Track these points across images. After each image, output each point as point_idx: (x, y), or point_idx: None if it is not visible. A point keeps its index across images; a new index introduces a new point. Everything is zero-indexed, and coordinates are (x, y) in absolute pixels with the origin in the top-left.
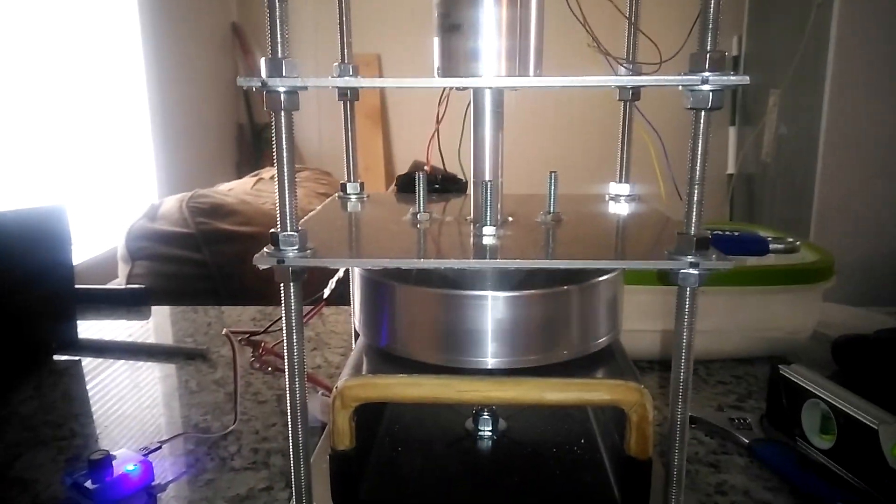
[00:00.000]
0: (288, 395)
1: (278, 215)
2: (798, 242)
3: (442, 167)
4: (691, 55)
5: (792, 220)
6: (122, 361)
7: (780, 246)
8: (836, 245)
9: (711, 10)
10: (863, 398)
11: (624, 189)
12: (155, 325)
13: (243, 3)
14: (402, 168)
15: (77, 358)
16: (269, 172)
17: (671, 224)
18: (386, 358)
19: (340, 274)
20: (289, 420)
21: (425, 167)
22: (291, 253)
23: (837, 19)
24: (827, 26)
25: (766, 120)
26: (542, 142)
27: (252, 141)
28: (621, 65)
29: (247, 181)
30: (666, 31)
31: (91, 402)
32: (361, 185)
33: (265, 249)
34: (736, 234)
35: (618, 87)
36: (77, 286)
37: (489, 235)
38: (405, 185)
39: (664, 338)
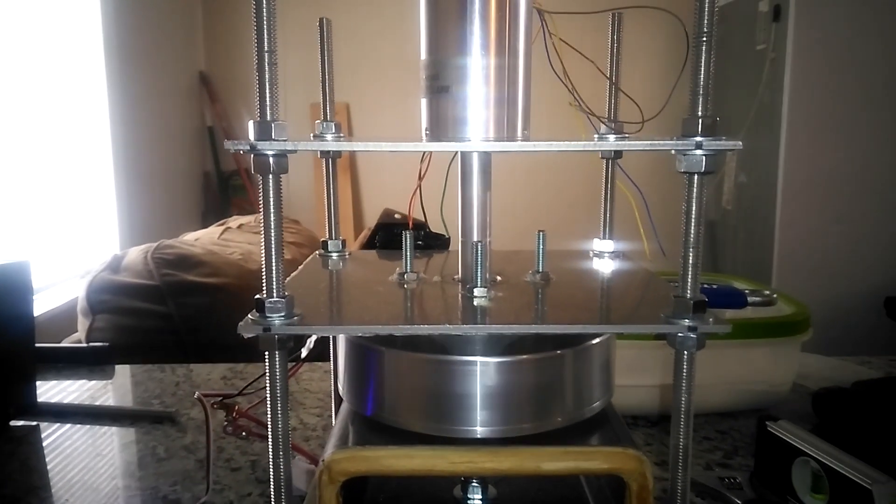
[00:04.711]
0: (271, 470)
1: (264, 280)
2: (775, 295)
3: (423, 220)
4: (684, 120)
5: (753, 265)
6: (84, 426)
7: (757, 298)
8: (797, 292)
9: (702, 76)
10: (852, 455)
11: (608, 245)
12: (119, 386)
13: (211, 53)
14: (371, 216)
15: (35, 423)
16: (236, 221)
17: (658, 282)
18: (373, 427)
19: None
20: (272, 498)
21: (396, 215)
22: (278, 320)
23: (790, 72)
24: (781, 79)
25: (725, 168)
26: (522, 194)
27: (218, 189)
28: (604, 123)
29: (213, 230)
30: (644, 89)
31: (50, 472)
32: (343, 242)
33: (249, 316)
34: (714, 286)
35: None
36: (37, 344)
37: (481, 297)
38: (385, 241)
39: (648, 393)
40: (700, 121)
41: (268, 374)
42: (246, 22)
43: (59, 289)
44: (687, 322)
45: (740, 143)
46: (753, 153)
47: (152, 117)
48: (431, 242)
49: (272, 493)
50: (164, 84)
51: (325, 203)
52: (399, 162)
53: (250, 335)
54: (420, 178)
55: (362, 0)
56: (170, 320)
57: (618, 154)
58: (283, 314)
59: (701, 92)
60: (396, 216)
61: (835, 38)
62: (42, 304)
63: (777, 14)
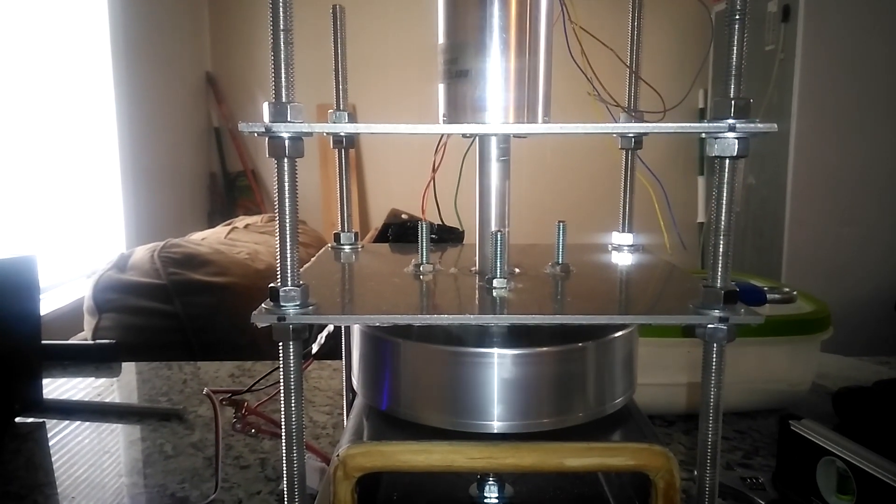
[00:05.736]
0: (285, 465)
1: (278, 268)
2: (795, 292)
3: (437, 213)
4: (715, 101)
5: (763, 267)
6: (90, 423)
7: (776, 296)
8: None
9: (734, 56)
10: (880, 455)
11: (627, 239)
12: (125, 383)
13: (218, 53)
14: (377, 217)
15: (41, 420)
16: (242, 221)
17: (682, 274)
18: (388, 421)
19: (330, 328)
20: (285, 494)
21: (403, 216)
22: (292, 310)
23: (799, 73)
24: (790, 80)
25: None
26: (531, 190)
27: (224, 190)
28: (625, 111)
29: (220, 230)
30: (661, 79)
31: (56, 470)
32: (356, 234)
33: (263, 305)
34: (731, 283)
35: (620, 136)
36: (43, 341)
37: (500, 288)
38: (398, 236)
39: (663, 392)
40: (732, 102)
41: (282, 365)
42: (252, 22)
43: (65, 288)
44: (717, 313)
45: (775, 125)
46: (762, 155)
47: (159, 117)
48: (445, 236)
49: (286, 488)
50: (171, 84)
51: (338, 194)
52: (405, 162)
53: (264, 325)
54: (434, 170)
55: (367, 0)
56: (176, 319)
57: (638, 145)
58: (297, 303)
59: (734, 73)
60: (403, 216)
61: (844, 38)
62: (48, 303)
63: (786, 14)
